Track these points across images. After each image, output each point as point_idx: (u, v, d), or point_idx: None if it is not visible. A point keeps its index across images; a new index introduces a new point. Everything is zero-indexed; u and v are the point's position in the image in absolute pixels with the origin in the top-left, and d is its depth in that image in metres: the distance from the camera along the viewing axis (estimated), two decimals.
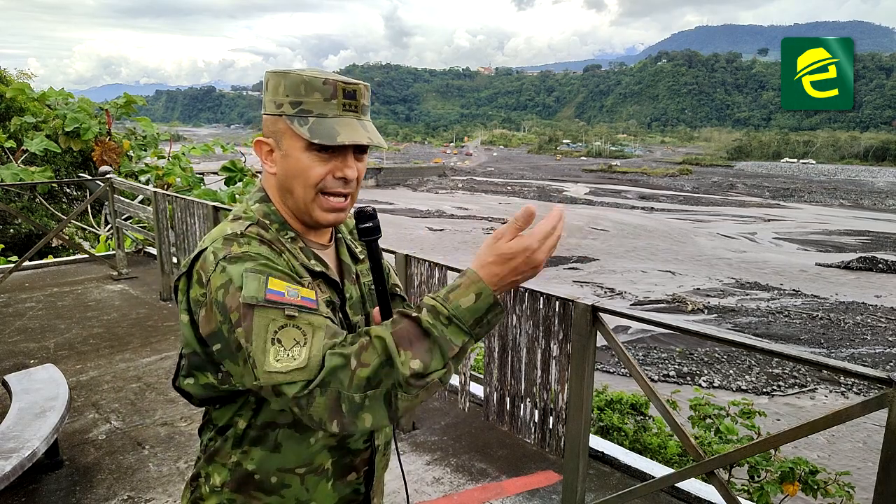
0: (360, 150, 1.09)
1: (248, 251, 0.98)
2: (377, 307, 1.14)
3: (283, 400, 0.91)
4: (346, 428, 0.90)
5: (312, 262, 1.09)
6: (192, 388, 1.09)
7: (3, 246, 8.60)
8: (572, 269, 37.02)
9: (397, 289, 1.37)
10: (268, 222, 1.09)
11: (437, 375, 0.92)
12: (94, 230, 9.41)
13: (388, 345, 0.90)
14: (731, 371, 20.26)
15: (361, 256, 1.25)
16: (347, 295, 1.15)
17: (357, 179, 1.09)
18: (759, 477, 3.45)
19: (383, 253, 1.36)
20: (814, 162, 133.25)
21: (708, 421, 4.27)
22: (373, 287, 1.22)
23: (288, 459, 1.08)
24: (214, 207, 5.21)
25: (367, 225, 1.12)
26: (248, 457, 1.08)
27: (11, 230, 9.70)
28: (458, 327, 0.93)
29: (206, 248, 1.01)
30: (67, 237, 8.80)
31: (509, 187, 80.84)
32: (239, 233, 1.02)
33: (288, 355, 0.90)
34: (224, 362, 0.99)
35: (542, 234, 0.94)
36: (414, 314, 0.94)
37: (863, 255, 39.68)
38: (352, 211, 1.17)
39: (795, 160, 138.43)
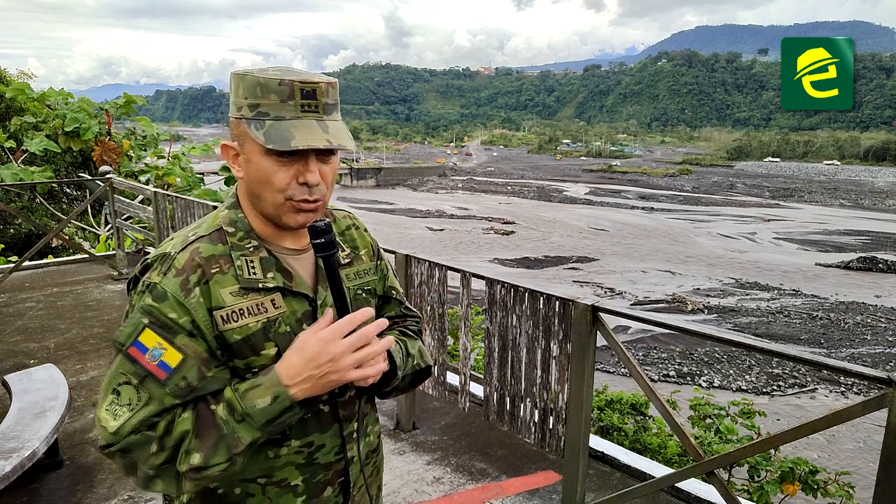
0: (324, 153, 1.04)
1: (159, 283, 1.00)
2: None
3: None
4: (142, 487, 0.98)
5: (270, 275, 1.06)
6: None
7: (3, 246, 8.59)
8: (572, 268, 37.03)
9: (394, 292, 1.34)
10: (232, 230, 1.07)
11: (218, 469, 0.97)
12: (94, 230, 9.41)
13: (183, 436, 0.96)
14: (731, 371, 20.27)
15: (346, 260, 1.21)
16: (320, 302, 1.11)
17: (326, 182, 1.05)
18: (759, 477, 3.44)
19: (385, 252, 1.35)
20: (838, 163, 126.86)
21: (708, 421, 4.26)
22: (358, 291, 1.21)
23: (248, 470, 1.06)
24: (214, 207, 5.21)
25: (319, 241, 1.04)
26: None
27: (11, 230, 9.69)
28: (250, 425, 0.97)
29: (151, 260, 1.06)
30: (67, 237, 8.80)
31: (509, 187, 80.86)
32: (171, 253, 1.03)
33: (115, 411, 0.96)
34: None
35: (340, 327, 1.00)
36: (213, 405, 0.99)
37: (863, 255, 39.69)
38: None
39: (777, 159, 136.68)
